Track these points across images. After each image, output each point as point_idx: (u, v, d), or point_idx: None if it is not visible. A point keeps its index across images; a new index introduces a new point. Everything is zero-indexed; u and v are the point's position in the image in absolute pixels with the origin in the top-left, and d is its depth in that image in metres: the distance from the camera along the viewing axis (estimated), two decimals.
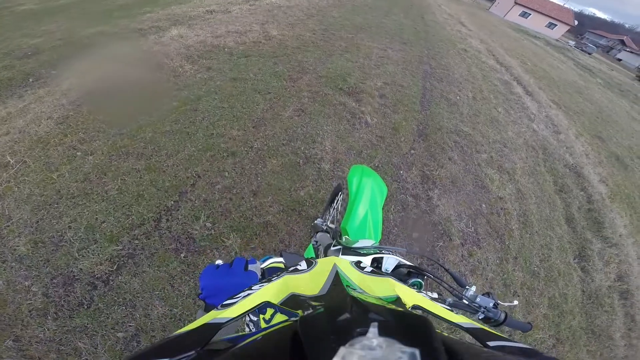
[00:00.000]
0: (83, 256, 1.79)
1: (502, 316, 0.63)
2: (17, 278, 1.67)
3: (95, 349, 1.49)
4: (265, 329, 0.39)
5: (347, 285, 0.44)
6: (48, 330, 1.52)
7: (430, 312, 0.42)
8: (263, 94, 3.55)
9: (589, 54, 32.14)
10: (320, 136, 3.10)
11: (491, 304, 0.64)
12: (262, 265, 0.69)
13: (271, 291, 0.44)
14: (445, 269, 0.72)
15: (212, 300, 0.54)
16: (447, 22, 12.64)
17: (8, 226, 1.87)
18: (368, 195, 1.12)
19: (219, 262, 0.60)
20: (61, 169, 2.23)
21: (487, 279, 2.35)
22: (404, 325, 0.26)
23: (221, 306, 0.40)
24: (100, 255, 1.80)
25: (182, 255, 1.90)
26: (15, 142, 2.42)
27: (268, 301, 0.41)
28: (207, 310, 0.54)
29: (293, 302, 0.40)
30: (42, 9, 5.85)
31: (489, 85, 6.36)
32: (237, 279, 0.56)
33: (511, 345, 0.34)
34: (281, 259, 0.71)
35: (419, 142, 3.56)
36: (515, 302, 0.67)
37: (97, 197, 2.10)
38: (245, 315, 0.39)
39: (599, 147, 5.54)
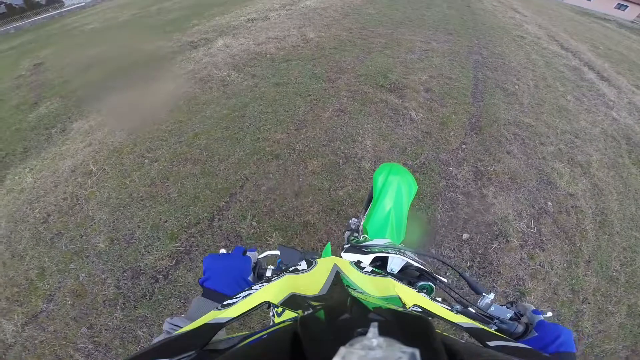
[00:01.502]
0: (149, 252, 2.00)
1: (520, 329, 0.53)
2: (96, 271, 1.93)
3: (151, 337, 1.64)
4: (265, 329, 0.39)
5: (347, 285, 0.44)
6: (116, 319, 1.71)
7: (430, 311, 0.42)
8: (304, 97, 3.62)
9: None
10: (361, 135, 3.04)
11: (508, 315, 0.55)
12: (260, 256, 0.72)
13: (271, 291, 0.44)
14: (459, 273, 0.65)
15: (210, 283, 0.59)
16: (497, 9, 11.48)
17: (91, 225, 2.18)
18: (393, 194, 1.05)
19: (222, 250, 0.67)
20: (132, 175, 2.54)
21: (550, 284, 2.07)
22: (404, 325, 0.26)
23: (221, 306, 0.41)
24: (163, 252, 2.00)
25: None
26: (96, 152, 2.82)
27: (268, 301, 0.41)
28: (205, 294, 0.58)
29: (293, 302, 0.40)
30: (105, 27, 6.89)
31: (553, 72, 5.61)
32: (233, 261, 0.63)
33: (511, 346, 0.35)
34: (277, 252, 0.71)
35: (471, 136, 3.28)
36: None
37: (161, 199, 2.34)
38: (270, 309, 0.39)
39: None
